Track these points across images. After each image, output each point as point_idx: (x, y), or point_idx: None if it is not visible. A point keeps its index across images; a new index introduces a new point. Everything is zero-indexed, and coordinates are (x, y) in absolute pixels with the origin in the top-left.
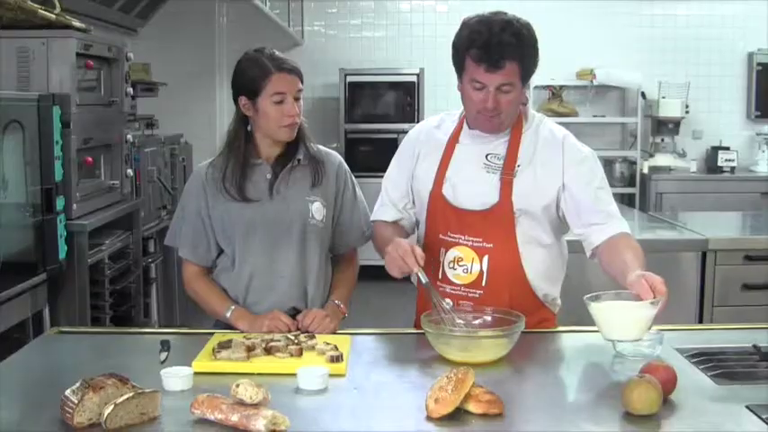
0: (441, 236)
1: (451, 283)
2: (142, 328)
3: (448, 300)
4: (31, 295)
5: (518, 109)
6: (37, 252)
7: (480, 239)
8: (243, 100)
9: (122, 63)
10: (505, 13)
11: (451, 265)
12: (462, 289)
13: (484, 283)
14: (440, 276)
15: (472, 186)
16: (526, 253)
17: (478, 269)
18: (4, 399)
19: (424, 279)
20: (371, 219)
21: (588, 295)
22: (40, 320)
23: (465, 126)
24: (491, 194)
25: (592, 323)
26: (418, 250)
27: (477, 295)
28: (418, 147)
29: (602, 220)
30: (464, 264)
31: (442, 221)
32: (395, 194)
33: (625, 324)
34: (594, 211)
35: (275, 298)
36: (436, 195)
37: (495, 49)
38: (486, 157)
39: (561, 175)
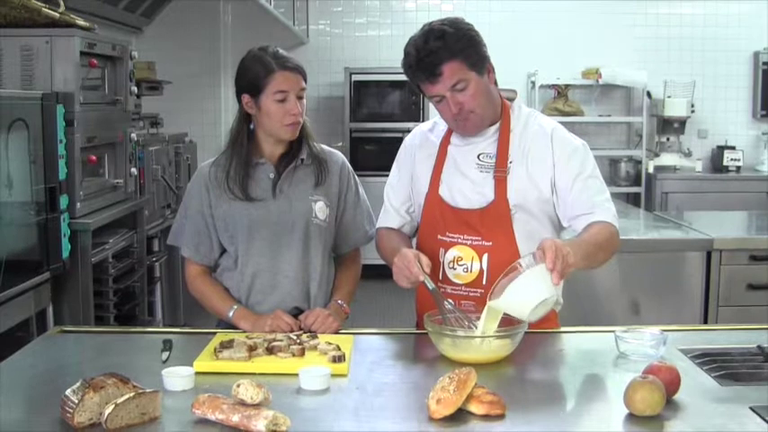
0: (439, 236)
1: (452, 283)
2: (145, 327)
3: (449, 300)
4: (34, 294)
5: (491, 100)
6: (41, 251)
7: (479, 238)
8: (246, 98)
9: (126, 62)
10: (431, 23)
11: (451, 264)
12: (463, 288)
13: (484, 282)
14: (440, 277)
15: (468, 186)
16: (525, 249)
17: (478, 268)
18: (5, 398)
19: (430, 286)
20: (377, 227)
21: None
22: (43, 319)
23: None
24: (486, 193)
25: (595, 323)
26: (424, 258)
27: (479, 294)
28: (414, 151)
29: (588, 210)
30: (464, 263)
31: (440, 222)
32: (397, 200)
33: (527, 298)
34: (580, 203)
35: (278, 298)
36: (433, 196)
37: (426, 62)
38: (478, 156)
39: (552, 168)
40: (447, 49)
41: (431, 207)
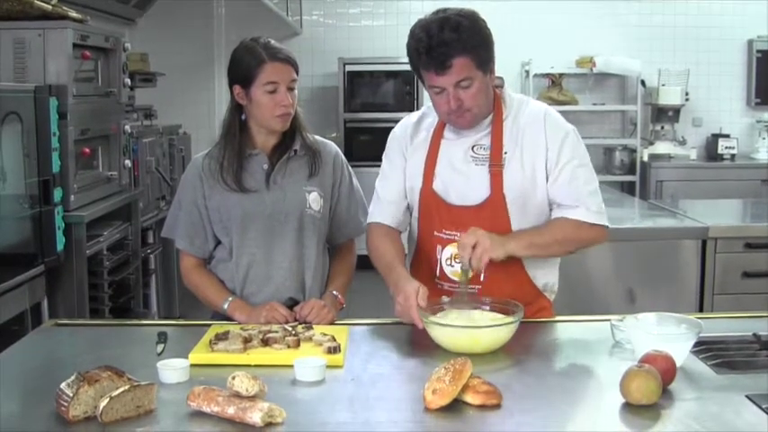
0: (436, 233)
1: (450, 280)
2: (140, 319)
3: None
4: (29, 287)
5: (488, 99)
6: (35, 244)
7: None
8: (237, 88)
9: (120, 53)
10: (446, 10)
11: (449, 261)
12: (460, 285)
13: (482, 278)
14: (437, 274)
15: (463, 182)
16: None
17: None
18: (0, 392)
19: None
20: (368, 220)
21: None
22: (38, 312)
23: None
24: (482, 189)
25: (590, 312)
26: (422, 292)
27: (476, 290)
28: (404, 143)
29: (573, 203)
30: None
31: (436, 219)
32: (389, 194)
33: None
34: (566, 193)
35: (273, 289)
36: (427, 192)
37: (438, 50)
38: (473, 149)
39: (545, 152)
40: (461, 43)
41: (426, 203)
